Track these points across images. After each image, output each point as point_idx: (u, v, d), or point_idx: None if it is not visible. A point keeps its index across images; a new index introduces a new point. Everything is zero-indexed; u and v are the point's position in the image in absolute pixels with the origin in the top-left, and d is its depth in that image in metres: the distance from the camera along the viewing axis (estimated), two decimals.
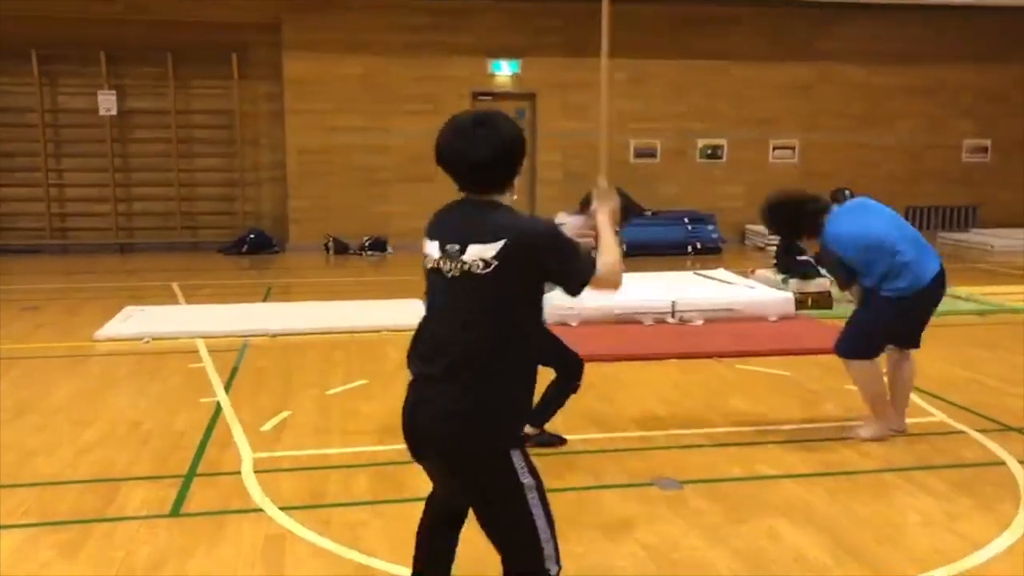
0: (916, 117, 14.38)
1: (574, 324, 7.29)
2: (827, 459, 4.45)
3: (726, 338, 7.06)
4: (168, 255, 12.60)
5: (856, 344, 4.63)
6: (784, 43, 13.63)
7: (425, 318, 2.45)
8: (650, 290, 7.85)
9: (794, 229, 4.74)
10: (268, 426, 4.96)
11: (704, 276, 8.96)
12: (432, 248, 2.38)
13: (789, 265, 8.47)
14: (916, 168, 14.37)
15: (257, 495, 3.99)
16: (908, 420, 4.91)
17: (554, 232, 2.35)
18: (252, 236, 12.79)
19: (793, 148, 14.06)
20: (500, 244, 2.24)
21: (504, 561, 2.37)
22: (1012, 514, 3.75)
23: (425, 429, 2.36)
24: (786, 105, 13.92)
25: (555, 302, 7.47)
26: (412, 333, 7.23)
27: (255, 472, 4.26)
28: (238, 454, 4.52)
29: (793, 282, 8.30)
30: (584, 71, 13.29)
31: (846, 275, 4.71)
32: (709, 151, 13.77)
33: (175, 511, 3.84)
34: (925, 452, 4.54)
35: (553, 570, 2.32)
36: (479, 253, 2.26)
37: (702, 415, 5.19)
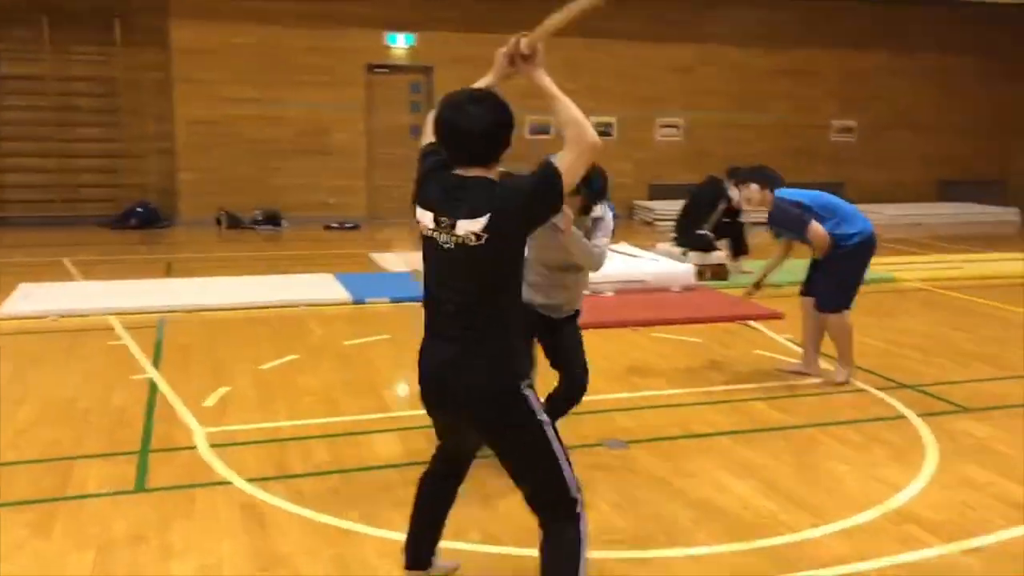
0: (788, 98, 15.18)
1: None
2: (753, 417, 4.83)
3: (637, 308, 7.41)
4: (49, 230, 11.99)
5: (837, 296, 5.26)
6: (669, 25, 14.12)
7: (426, 281, 2.62)
8: None
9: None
10: (210, 401, 4.95)
11: (609, 250, 9.29)
12: (426, 218, 2.53)
13: (688, 239, 8.91)
14: (788, 146, 15.16)
15: (220, 468, 4.02)
16: (817, 380, 5.41)
17: (526, 189, 2.46)
18: (140, 210, 12.35)
19: (678, 126, 14.64)
20: (485, 219, 2.42)
21: (533, 497, 2.58)
22: (920, 461, 4.20)
23: (446, 385, 2.54)
24: (671, 85, 14.45)
25: None
26: (331, 309, 7.32)
27: (211, 446, 4.28)
28: (187, 429, 4.50)
29: (693, 255, 8.75)
30: (481, 47, 13.32)
31: (801, 222, 5.17)
32: (600, 128, 14.07)
33: (140, 486, 3.84)
34: (837, 409, 4.99)
35: (579, 497, 2.55)
36: (468, 227, 2.43)
37: (630, 380, 5.50)
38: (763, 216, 5.51)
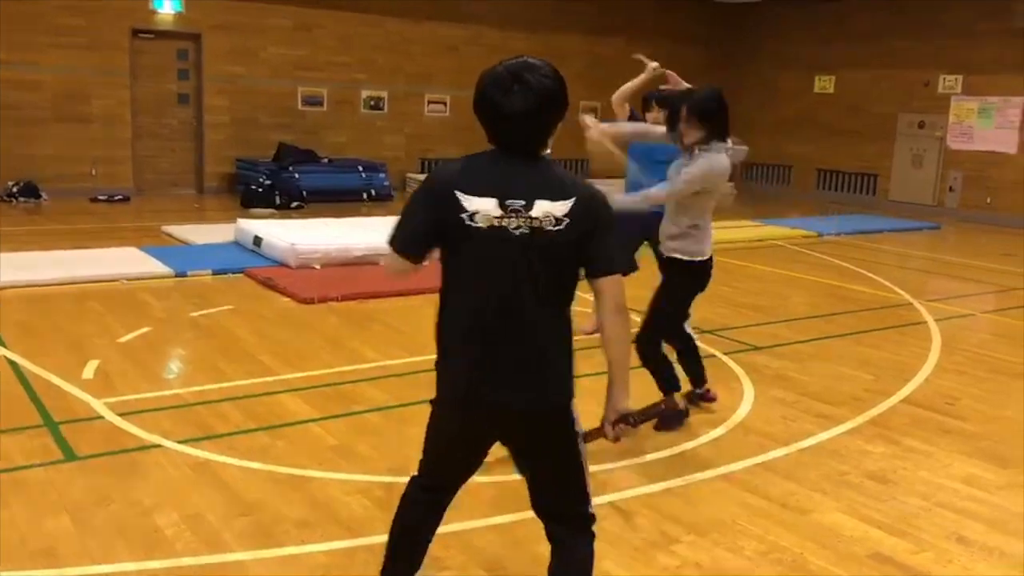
0: None
1: (318, 267, 7.74)
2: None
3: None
4: None
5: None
6: (433, 3, 14.65)
7: (466, 285, 2.27)
8: (378, 235, 8.48)
9: None
10: (88, 374, 4.91)
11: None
12: (486, 204, 2.20)
13: None
14: None
15: (142, 434, 4.12)
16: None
17: (610, 205, 2.31)
18: None
19: (445, 103, 15.26)
20: (570, 203, 2.21)
21: (555, 510, 2.44)
22: (740, 389, 5.18)
23: (499, 401, 2.29)
24: (439, 62, 15.02)
25: (299, 246, 7.87)
26: (156, 282, 7.25)
27: (119, 415, 4.33)
28: (82, 402, 4.50)
29: None
30: (250, 15, 13.22)
31: None
32: (372, 102, 14.46)
33: (71, 456, 3.87)
34: None
35: (595, 513, 2.47)
36: (549, 210, 2.20)
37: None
38: None
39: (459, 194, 2.21)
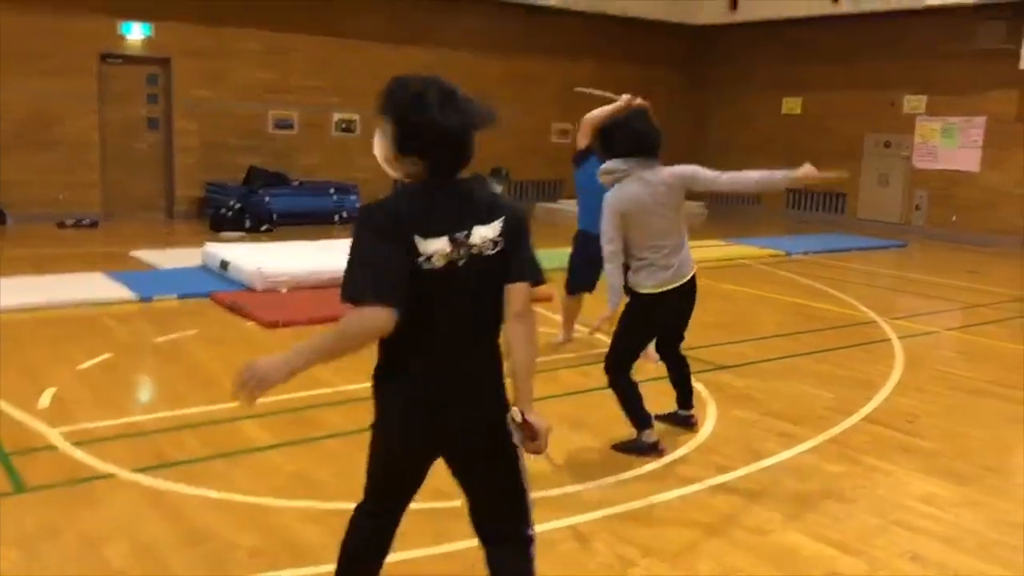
0: (516, 101, 16.37)
1: (284, 291, 7.69)
2: (566, 383, 5.59)
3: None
4: None
5: None
6: (409, 28, 14.72)
7: (422, 312, 2.22)
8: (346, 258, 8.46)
9: None
10: (45, 403, 4.84)
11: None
12: (441, 244, 2.21)
13: None
14: (516, 146, 16.38)
15: (96, 464, 4.06)
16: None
17: (527, 216, 2.41)
18: None
19: None
20: (500, 223, 2.29)
21: (493, 526, 2.46)
22: (704, 408, 5.17)
23: (448, 419, 2.32)
24: None
25: (266, 269, 7.82)
26: (120, 307, 7.12)
27: (74, 444, 4.27)
28: (35, 430, 4.43)
29: None
30: (219, 39, 13.20)
31: None
32: (344, 125, 14.47)
33: (20, 488, 3.81)
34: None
35: (534, 534, 2.48)
36: (485, 234, 2.26)
37: None
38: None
39: (418, 239, 2.20)
